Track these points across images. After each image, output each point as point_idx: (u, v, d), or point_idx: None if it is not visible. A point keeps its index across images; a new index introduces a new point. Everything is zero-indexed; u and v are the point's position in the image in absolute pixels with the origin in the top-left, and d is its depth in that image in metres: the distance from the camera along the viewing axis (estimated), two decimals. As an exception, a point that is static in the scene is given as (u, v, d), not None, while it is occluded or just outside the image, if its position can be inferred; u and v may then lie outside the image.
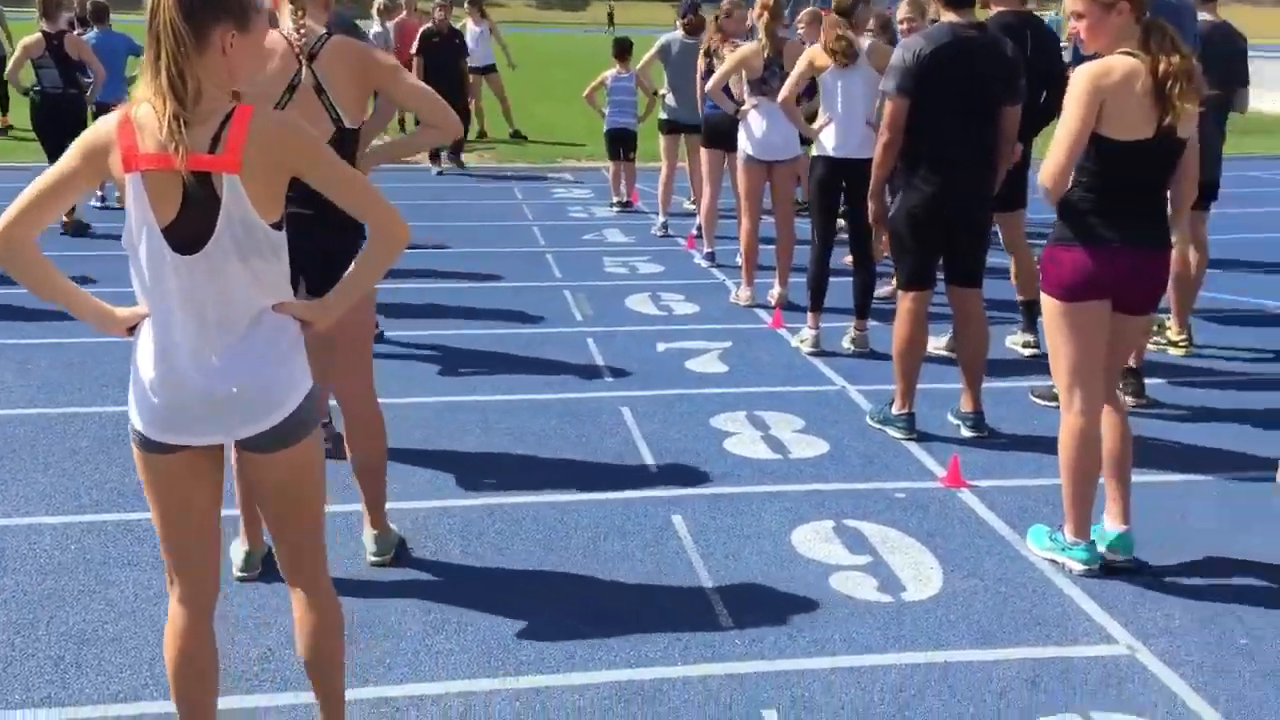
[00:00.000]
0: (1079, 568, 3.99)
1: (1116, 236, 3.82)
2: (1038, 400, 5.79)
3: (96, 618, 3.61)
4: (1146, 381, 5.88)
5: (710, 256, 8.99)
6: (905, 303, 5.26)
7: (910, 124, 5.07)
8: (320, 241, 3.52)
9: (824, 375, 6.28)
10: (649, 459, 5.03)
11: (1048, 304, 3.95)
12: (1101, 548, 4.01)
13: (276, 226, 2.50)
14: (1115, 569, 4.00)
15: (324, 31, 3.65)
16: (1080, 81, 3.74)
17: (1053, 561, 4.06)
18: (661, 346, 6.79)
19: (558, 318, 7.44)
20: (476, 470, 4.86)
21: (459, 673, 3.35)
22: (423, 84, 3.80)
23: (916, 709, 3.22)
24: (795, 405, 5.75)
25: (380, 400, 4.24)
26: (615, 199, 11.65)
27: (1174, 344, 6.72)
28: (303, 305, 2.67)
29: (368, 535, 4.03)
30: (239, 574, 3.86)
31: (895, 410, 5.35)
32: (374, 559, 3.99)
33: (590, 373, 6.27)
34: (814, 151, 6.68)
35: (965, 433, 5.33)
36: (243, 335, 2.50)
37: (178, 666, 2.70)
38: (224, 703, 3.12)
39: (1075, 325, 3.88)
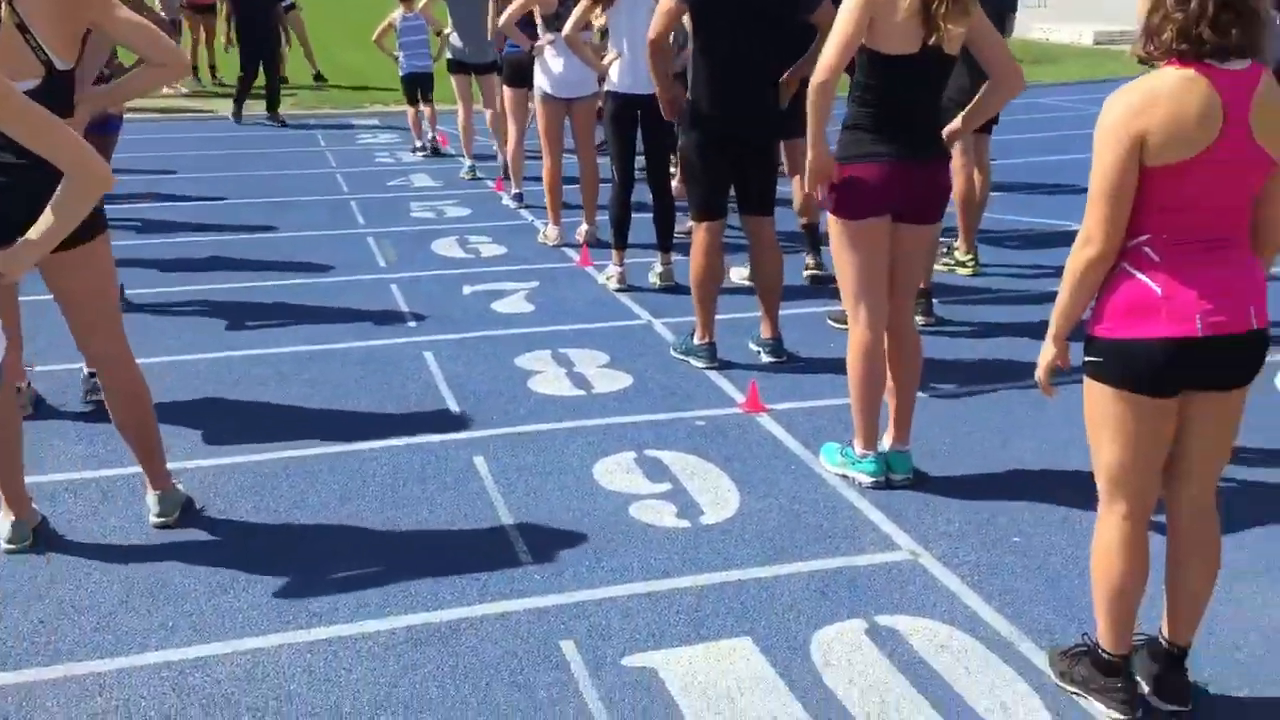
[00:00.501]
0: (867, 480, 4.14)
1: (892, 151, 3.93)
2: (834, 324, 5.95)
3: None
4: (934, 301, 6.11)
5: (518, 197, 8.90)
6: (698, 234, 5.30)
7: (695, 46, 5.08)
8: (31, 191, 3.29)
9: (629, 310, 6.31)
10: (451, 402, 4.97)
11: (831, 222, 4.05)
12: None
13: None
14: (896, 485, 4.16)
15: None
16: None
17: (844, 476, 4.20)
18: (468, 290, 6.70)
19: (360, 265, 7.25)
20: (271, 424, 4.71)
21: (247, 630, 3.26)
22: (140, 18, 3.58)
23: (710, 626, 3.30)
24: (600, 341, 5.76)
25: (170, 358, 4.09)
26: (418, 144, 11.39)
27: (961, 264, 7.00)
28: None
29: (150, 497, 3.86)
30: (9, 546, 3.65)
31: (696, 341, 5.42)
32: (156, 520, 3.83)
33: (393, 319, 6.14)
34: (605, 87, 6.64)
35: (765, 359, 5.44)
36: None
37: None
38: (-11, 681, 2.99)
39: (857, 242, 3.99)
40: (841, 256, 4.06)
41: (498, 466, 4.32)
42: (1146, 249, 2.67)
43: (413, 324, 6.07)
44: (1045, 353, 2.87)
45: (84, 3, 3.40)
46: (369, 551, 3.71)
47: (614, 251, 6.75)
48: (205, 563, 3.62)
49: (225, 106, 14.59)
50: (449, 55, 9.79)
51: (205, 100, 15.53)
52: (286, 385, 5.15)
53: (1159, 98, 2.56)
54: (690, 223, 5.42)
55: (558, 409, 4.90)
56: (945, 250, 7.14)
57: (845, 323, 5.85)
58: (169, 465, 3.93)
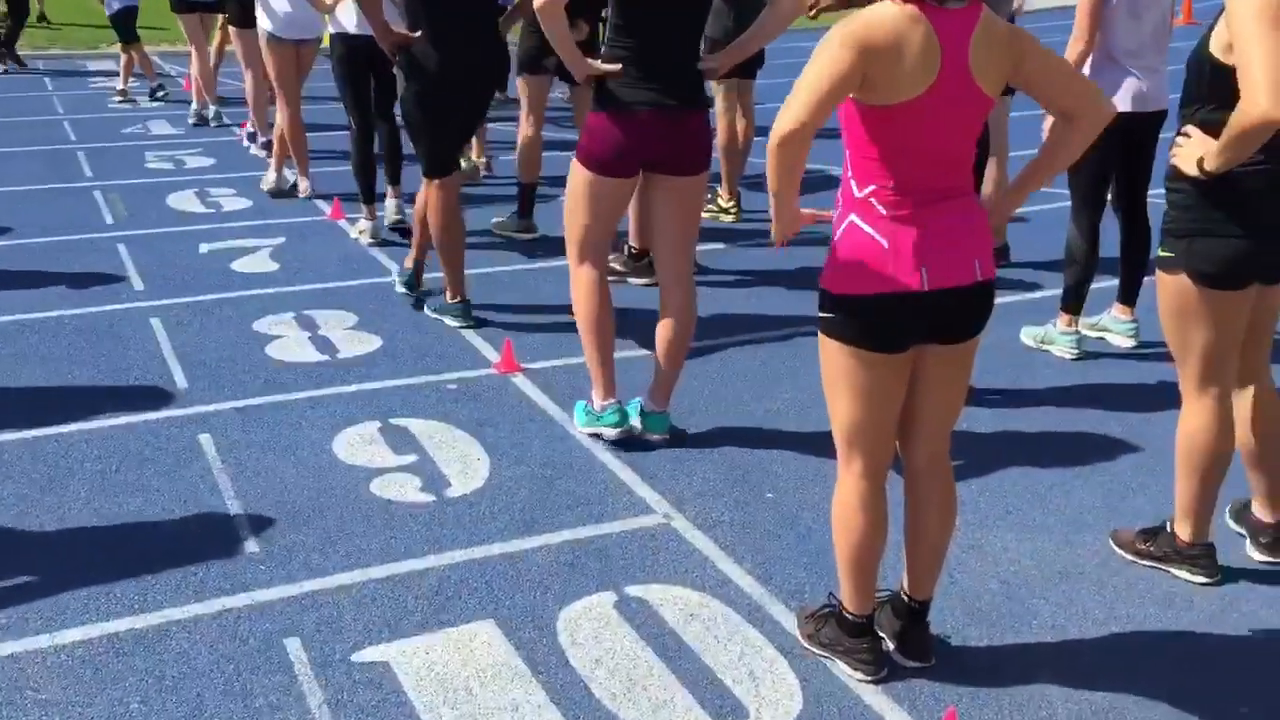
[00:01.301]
0: (612, 433, 4.00)
1: (645, 100, 3.74)
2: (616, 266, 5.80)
3: None
4: (699, 249, 6.02)
5: (252, 137, 8.36)
6: (432, 191, 4.98)
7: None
8: None
9: (382, 266, 5.97)
10: (178, 375, 4.55)
11: (575, 168, 3.87)
12: (635, 421, 4.04)
13: None
14: (646, 439, 4.05)
15: None
16: None
17: (595, 436, 4.05)
18: (205, 248, 6.21)
19: (85, 223, 6.63)
20: (-36, 407, 4.20)
21: (-85, 652, 2.85)
22: None
23: (451, 611, 3.09)
24: (350, 300, 5.42)
25: None
26: (123, 88, 10.55)
27: (725, 211, 6.96)
28: None
29: None
30: None
31: (449, 299, 5.15)
32: None
33: (118, 283, 5.61)
34: (330, 30, 6.19)
35: (452, 323, 5.14)
36: None
37: None
38: None
39: (596, 199, 3.84)
40: (577, 205, 3.89)
41: (226, 445, 3.97)
42: (873, 200, 2.58)
43: (140, 288, 5.57)
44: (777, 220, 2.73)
45: None
46: (71, 550, 3.33)
47: (364, 205, 6.37)
48: None
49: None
50: None
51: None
52: (-13, 361, 4.62)
53: (878, 33, 2.45)
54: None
55: (297, 377, 4.55)
56: (710, 197, 7.09)
57: (610, 274, 5.76)
58: None
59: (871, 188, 2.58)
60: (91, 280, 5.61)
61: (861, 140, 2.57)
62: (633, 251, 5.80)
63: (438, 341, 4.98)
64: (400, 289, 5.40)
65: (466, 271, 5.17)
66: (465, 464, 3.90)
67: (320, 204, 7.06)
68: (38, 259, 5.89)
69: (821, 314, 2.69)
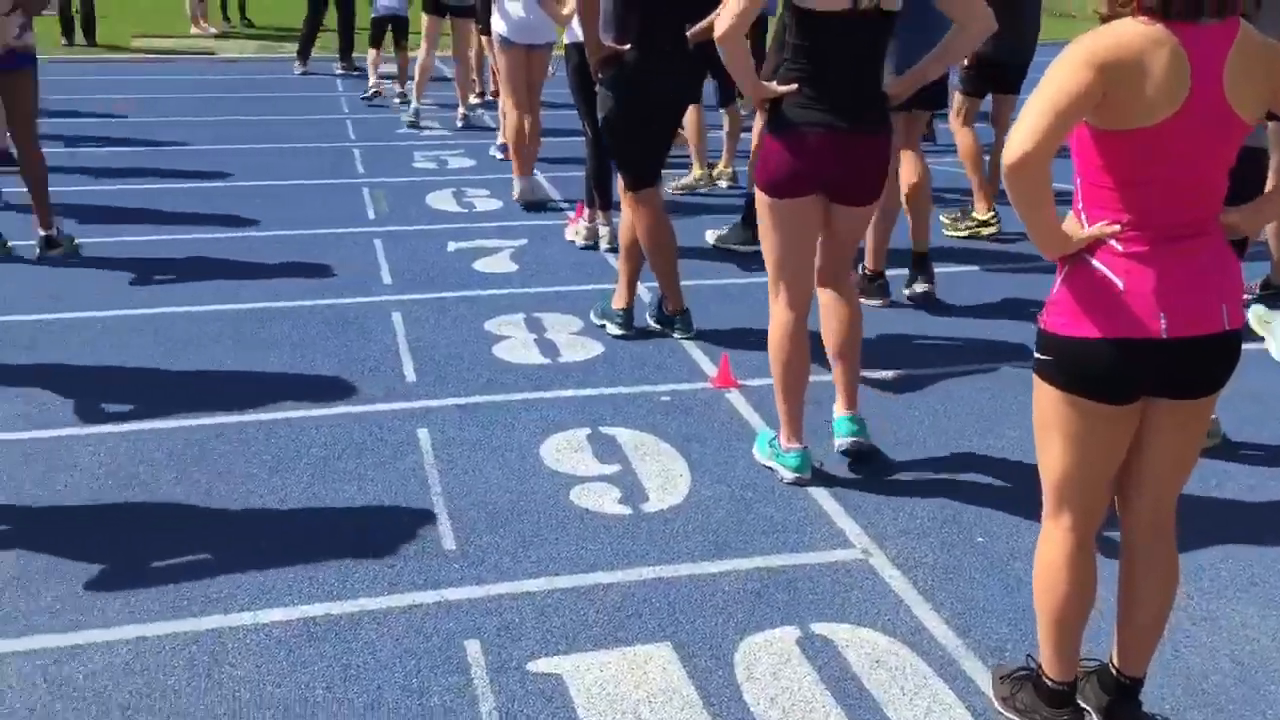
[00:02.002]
0: (788, 475, 3.82)
1: (818, 121, 3.59)
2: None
3: None
4: (941, 271, 5.76)
5: (504, 149, 8.66)
6: (636, 206, 4.94)
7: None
8: None
9: (615, 273, 6.01)
10: (408, 368, 4.73)
11: (757, 196, 3.74)
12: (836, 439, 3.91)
13: None
14: (860, 458, 3.88)
15: None
16: None
17: (769, 468, 3.91)
18: (453, 246, 6.46)
19: (349, 217, 7.02)
20: (215, 385, 4.50)
21: (135, 616, 3.06)
22: None
23: (631, 629, 3.05)
24: (579, 305, 5.49)
25: (132, 311, 3.86)
26: (373, 88, 11.11)
27: (985, 224, 6.64)
28: None
29: None
30: None
31: (668, 309, 5.14)
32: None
33: (369, 276, 5.91)
34: (565, 39, 6.29)
35: (677, 335, 5.12)
36: None
37: None
38: None
39: (781, 221, 3.69)
40: (764, 231, 3.77)
41: (441, 441, 4.09)
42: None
43: (388, 282, 5.84)
44: None
45: None
46: (285, 531, 3.50)
47: (588, 209, 6.47)
48: (110, 539, 3.42)
49: (246, 48, 14.40)
50: None
51: (232, 42, 15.35)
52: (242, 344, 4.94)
53: (1122, 51, 2.22)
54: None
55: (518, 378, 4.65)
56: (961, 214, 6.82)
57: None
58: (114, 428, 3.74)
59: (1107, 220, 2.35)
60: (345, 272, 5.93)
61: (1095, 167, 2.34)
62: (867, 273, 5.62)
63: (657, 352, 4.97)
64: (652, 323, 5.23)
65: (686, 283, 5.14)
66: (666, 478, 3.86)
67: (568, 209, 7.21)
68: (303, 249, 6.28)
69: (1038, 355, 2.48)
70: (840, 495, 3.76)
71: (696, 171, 7.78)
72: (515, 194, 7.37)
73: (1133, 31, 2.25)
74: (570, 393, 4.52)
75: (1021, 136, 2.24)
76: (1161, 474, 2.52)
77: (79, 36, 14.16)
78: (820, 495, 3.76)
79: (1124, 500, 2.58)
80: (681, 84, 4.87)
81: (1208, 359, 2.39)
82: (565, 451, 4.03)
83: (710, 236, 6.54)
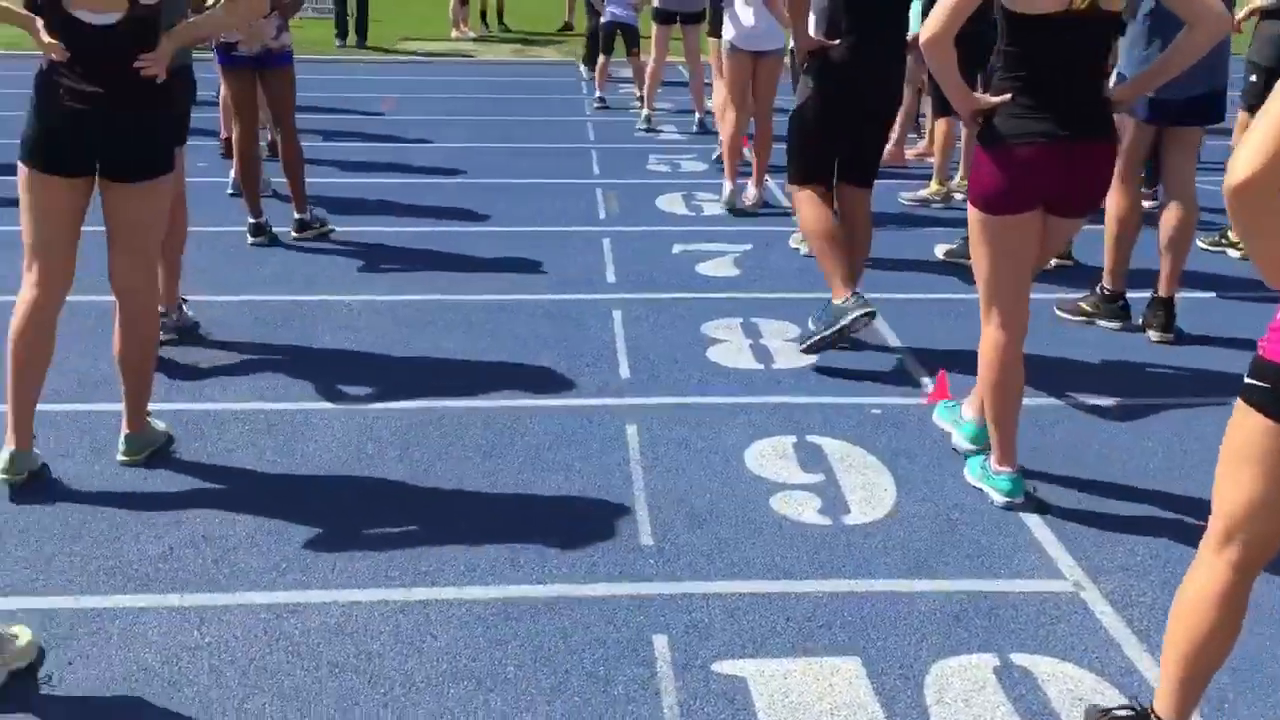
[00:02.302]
0: (999, 499, 3.68)
1: (1037, 131, 3.43)
2: (1063, 315, 5.41)
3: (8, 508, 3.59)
4: (1182, 297, 5.42)
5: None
6: (800, 197, 4.89)
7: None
8: (106, 122, 3.52)
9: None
10: (623, 366, 4.82)
11: (971, 214, 3.59)
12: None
13: None
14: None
15: None
16: None
17: (979, 490, 3.77)
18: (678, 248, 6.53)
19: (581, 216, 7.22)
20: (444, 372, 4.72)
21: (351, 582, 3.25)
22: None
23: (819, 641, 3.01)
24: (796, 313, 5.44)
25: (373, 297, 4.07)
26: (600, 94, 11.29)
27: (1235, 244, 6.23)
28: None
29: (121, 437, 3.86)
30: (3, 476, 3.65)
31: (838, 301, 4.94)
32: (123, 458, 3.85)
33: (594, 274, 6.05)
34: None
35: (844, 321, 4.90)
36: None
37: None
38: (109, 600, 3.11)
39: (998, 239, 3.53)
40: (978, 249, 3.60)
41: (648, 438, 4.15)
42: None
43: (612, 280, 5.97)
44: None
45: None
46: (494, 513, 3.64)
47: None
48: (335, 508, 3.65)
49: (500, 51, 14.97)
50: (655, 2, 9.65)
51: (489, 46, 16.03)
52: (471, 333, 5.16)
53: None
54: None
55: (729, 382, 4.66)
56: (1220, 236, 6.43)
57: (1076, 314, 5.35)
58: (349, 406, 3.98)
59: None
60: (571, 269, 6.10)
61: None
62: (1105, 292, 5.34)
63: (872, 363, 4.89)
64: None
65: (909, 295, 5.03)
66: (870, 492, 3.79)
67: (793, 216, 7.18)
68: (533, 246, 6.50)
69: (1249, 380, 2.30)
70: (1055, 525, 3.59)
71: (934, 185, 7.60)
72: (723, 200, 7.44)
73: None
74: (780, 399, 4.50)
75: (1248, 155, 1.97)
76: None
77: (351, 38, 15.10)
78: (1033, 522, 3.60)
79: None
80: (879, 89, 4.77)
81: None
82: (770, 458, 4.02)
83: (939, 250, 6.38)
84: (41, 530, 3.46)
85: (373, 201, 7.40)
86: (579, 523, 3.58)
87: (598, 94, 11.31)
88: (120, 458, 3.85)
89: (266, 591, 3.20)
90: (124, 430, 3.87)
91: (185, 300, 5.08)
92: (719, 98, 8.12)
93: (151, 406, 3.95)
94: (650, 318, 5.40)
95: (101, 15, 3.44)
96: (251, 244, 6.37)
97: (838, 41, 4.68)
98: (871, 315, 4.67)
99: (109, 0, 3.42)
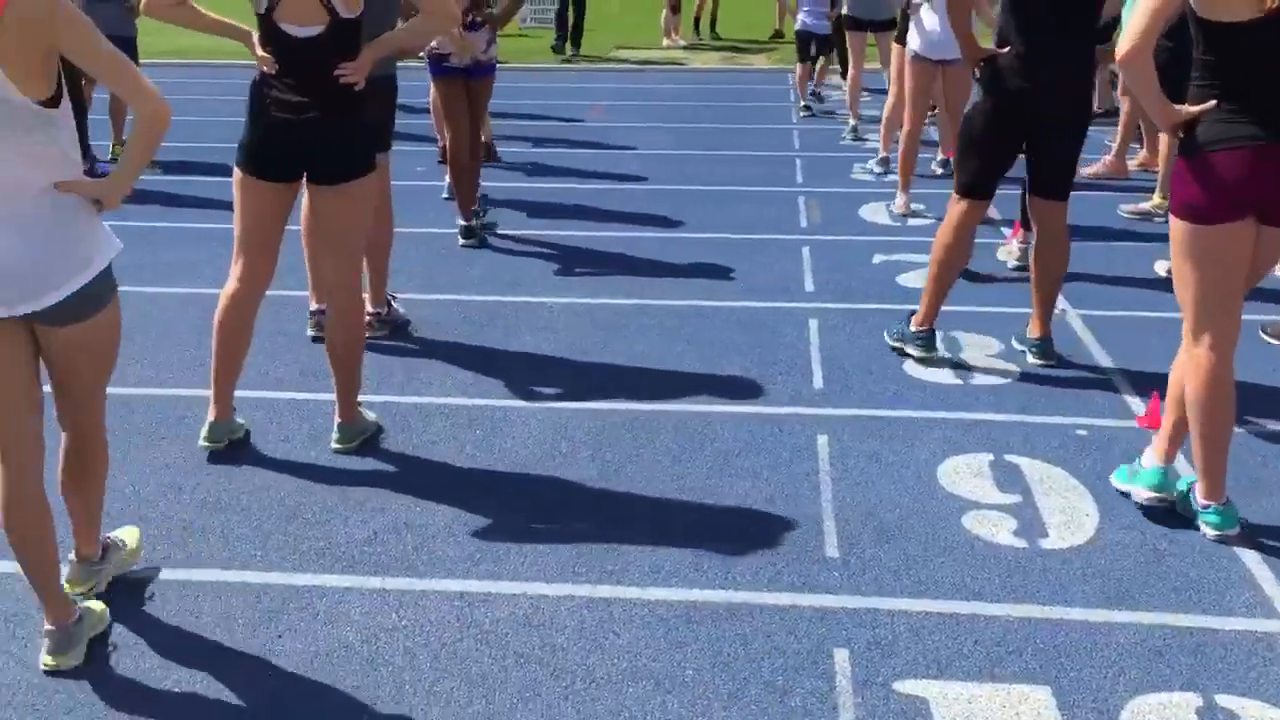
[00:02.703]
0: (1145, 494, 3.60)
1: (1246, 135, 3.22)
2: (1268, 338, 5.07)
3: (234, 487, 3.85)
4: None
5: (884, 163, 8.49)
6: (959, 207, 4.76)
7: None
8: (311, 130, 3.73)
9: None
10: (816, 375, 4.79)
11: (1174, 226, 3.41)
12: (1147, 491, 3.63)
13: (48, 103, 2.54)
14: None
15: None
16: None
17: (1124, 494, 3.69)
18: (878, 259, 6.43)
19: (782, 224, 7.19)
20: (635, 375, 4.79)
21: (540, 575, 3.34)
22: None
23: (1008, 667, 2.92)
24: (998, 328, 5.29)
25: (573, 299, 4.16)
26: (804, 102, 11.19)
27: None
28: (90, 184, 2.73)
29: (335, 425, 4.11)
30: (203, 443, 4.00)
31: (914, 326, 4.90)
32: (336, 445, 4.07)
33: (792, 282, 6.03)
34: None
35: (1032, 360, 4.84)
36: (18, 212, 2.57)
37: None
38: (318, 579, 3.30)
39: (1207, 253, 3.34)
40: (1184, 266, 3.43)
41: (839, 449, 4.10)
42: None
43: (810, 289, 5.93)
44: None
45: None
46: (681, 517, 3.67)
47: (1023, 230, 6.25)
48: (528, 503, 3.76)
49: (710, 59, 15.05)
50: (844, 10, 9.49)
51: (699, 54, 16.17)
52: (666, 337, 5.22)
53: None
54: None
55: (926, 396, 4.56)
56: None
57: None
58: (545, 404, 4.10)
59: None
60: (770, 276, 6.09)
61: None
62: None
63: (1079, 382, 4.69)
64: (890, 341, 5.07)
65: (1126, 313, 4.80)
66: (1070, 516, 3.64)
67: (1004, 230, 6.96)
68: (732, 252, 6.52)
69: None
70: (1275, 563, 3.36)
71: (1157, 199, 7.25)
72: (896, 207, 7.35)
73: None
74: (978, 416, 4.38)
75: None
76: None
77: (566, 47, 15.50)
78: (1251, 559, 3.39)
79: None
80: (1052, 98, 4.54)
81: None
82: (964, 475, 3.91)
83: (1160, 267, 6.07)
84: (261, 509, 3.70)
85: (575, 206, 7.58)
86: (765, 530, 3.58)
87: (801, 101, 11.26)
88: (334, 445, 4.08)
89: (460, 580, 3.33)
90: (337, 419, 4.10)
91: (394, 298, 5.34)
92: (891, 105, 7.98)
93: (363, 397, 4.18)
94: (847, 327, 5.33)
95: (306, 28, 3.68)
96: (462, 245, 6.63)
97: (1006, 49, 4.55)
98: (925, 362, 4.84)
99: (313, 14, 3.67)
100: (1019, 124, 4.61)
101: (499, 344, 5.14)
